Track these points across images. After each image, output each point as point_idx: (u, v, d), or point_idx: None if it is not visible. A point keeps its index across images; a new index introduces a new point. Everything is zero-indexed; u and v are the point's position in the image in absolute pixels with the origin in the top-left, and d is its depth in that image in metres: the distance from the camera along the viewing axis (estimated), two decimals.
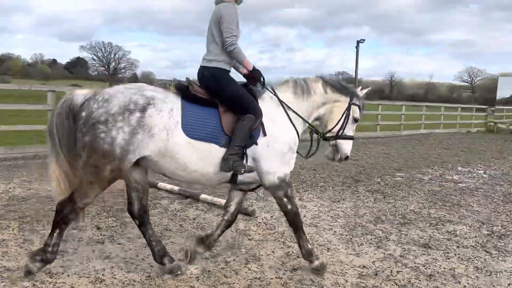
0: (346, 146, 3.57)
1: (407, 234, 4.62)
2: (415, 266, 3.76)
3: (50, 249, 2.98)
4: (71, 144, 2.95)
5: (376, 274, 3.53)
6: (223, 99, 3.19)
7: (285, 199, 3.32)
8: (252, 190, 3.58)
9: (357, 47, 33.79)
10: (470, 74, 70.58)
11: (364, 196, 6.28)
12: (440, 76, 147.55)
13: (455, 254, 4.08)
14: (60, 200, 2.98)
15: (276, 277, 3.38)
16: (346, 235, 4.48)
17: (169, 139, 2.97)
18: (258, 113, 3.17)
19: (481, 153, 12.14)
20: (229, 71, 3.36)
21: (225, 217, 3.59)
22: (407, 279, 3.48)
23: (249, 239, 4.21)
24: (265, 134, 3.21)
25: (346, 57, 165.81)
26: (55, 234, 2.99)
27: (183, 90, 3.17)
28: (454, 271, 3.68)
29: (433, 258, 3.95)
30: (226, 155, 3.07)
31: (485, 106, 23.82)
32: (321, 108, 3.54)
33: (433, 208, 5.74)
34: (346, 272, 3.54)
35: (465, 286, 3.39)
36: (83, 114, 2.91)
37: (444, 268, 3.74)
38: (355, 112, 3.57)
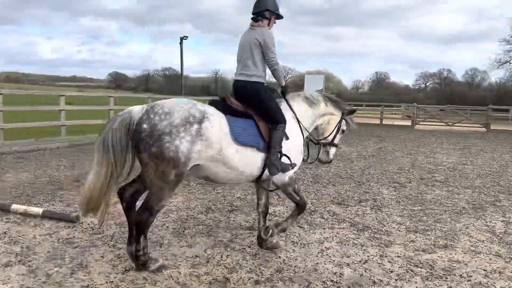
0: (334, 152, 4.40)
1: (235, 220, 4.95)
2: (242, 248, 4.06)
3: (142, 252, 3.37)
4: (125, 158, 3.26)
5: (208, 261, 3.69)
6: (261, 109, 3.70)
7: (294, 194, 3.93)
8: (272, 191, 4.02)
9: (181, 43, 34.17)
10: (282, 72, 78.88)
11: (195, 189, 6.45)
12: None
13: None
14: (141, 218, 3.27)
15: (106, 282, 3.22)
16: (179, 229, 4.54)
17: (222, 147, 3.38)
18: (285, 122, 3.73)
19: None
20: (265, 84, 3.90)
21: (260, 210, 4.13)
22: (235, 261, 3.73)
23: (74, 247, 3.90)
24: (287, 139, 3.76)
25: (171, 53, 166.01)
26: (141, 239, 3.35)
27: (222, 104, 3.62)
28: (277, 250, 4.10)
29: None
30: (271, 160, 3.62)
31: None
32: (321, 118, 4.21)
33: (254, 194, 6.26)
34: (179, 264, 3.60)
35: (284, 260, 3.82)
36: (145, 126, 3.18)
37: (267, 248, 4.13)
38: (343, 125, 4.35)
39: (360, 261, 3.82)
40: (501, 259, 3.99)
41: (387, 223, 5.02)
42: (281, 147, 3.68)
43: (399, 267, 3.72)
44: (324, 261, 3.80)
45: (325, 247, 4.16)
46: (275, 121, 3.67)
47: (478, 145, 14.70)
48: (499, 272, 3.67)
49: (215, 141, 3.33)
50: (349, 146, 13.04)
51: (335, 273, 3.54)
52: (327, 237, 4.45)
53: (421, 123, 23.53)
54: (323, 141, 4.30)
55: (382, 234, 4.59)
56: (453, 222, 5.16)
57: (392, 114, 32.00)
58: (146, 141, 3.15)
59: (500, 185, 7.55)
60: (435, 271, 3.65)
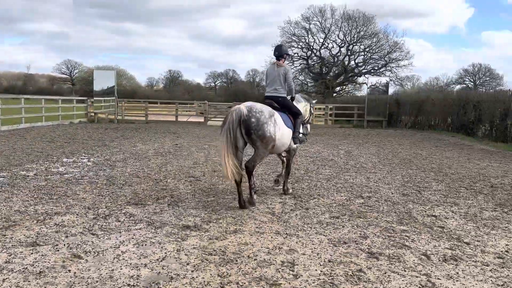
0: (309, 127, 7.34)
1: (13, 237, 4.28)
2: (23, 268, 3.54)
3: (253, 193, 5.85)
4: (236, 136, 5.48)
5: None
6: (288, 108, 6.35)
7: (293, 155, 6.69)
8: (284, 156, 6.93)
9: None
10: (69, 66, 72.32)
11: None
12: (38, 67, 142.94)
13: (65, 245, 4.13)
14: (249, 166, 5.69)
15: None
16: None
17: (281, 129, 5.87)
18: (302, 114, 6.57)
19: (84, 142, 12.75)
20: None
21: (283, 165, 7.00)
22: (15, 284, 3.23)
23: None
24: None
25: None
26: (252, 181, 5.89)
27: (271, 105, 6.06)
28: (64, 262, 3.72)
29: (42, 255, 3.85)
30: (296, 136, 6.37)
31: (85, 98, 25.13)
32: (303, 108, 6.89)
33: (39, 204, 5.57)
34: None
35: (75, 272, 3.49)
36: (253, 119, 5.51)
37: (54, 261, 3.72)
38: (312, 110, 7.34)
39: (157, 259, 3.82)
40: (280, 236, 4.58)
41: (184, 217, 5.16)
42: (300, 128, 6.51)
43: (195, 258, 3.87)
44: (121, 266, 3.65)
45: (121, 251, 4.00)
46: (296, 114, 6.42)
47: None
48: (279, 248, 4.22)
49: (279, 126, 5.82)
50: (145, 144, 12.89)
51: (131, 276, 3.44)
52: (123, 241, 4.29)
53: (212, 119, 25.07)
54: (306, 121, 7.05)
55: (180, 229, 4.70)
56: (242, 208, 5.66)
57: (187, 111, 33.14)
58: (255, 128, 5.49)
59: (278, 171, 8.67)
60: (227, 255, 3.95)
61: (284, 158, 6.97)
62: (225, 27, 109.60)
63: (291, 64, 46.52)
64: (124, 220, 5.00)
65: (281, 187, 6.80)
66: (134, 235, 4.47)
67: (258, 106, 5.67)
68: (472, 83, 67.86)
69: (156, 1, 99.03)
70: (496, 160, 11.34)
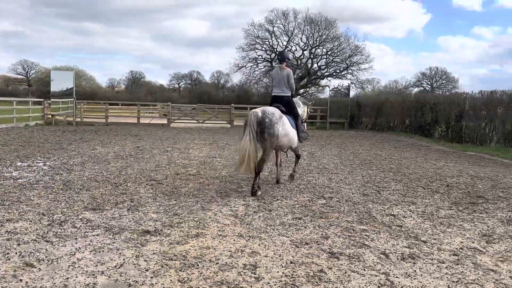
0: (305, 125, 8.27)
1: None
2: None
3: (257, 186, 6.65)
4: (256, 135, 6.41)
5: None
6: (291, 109, 7.30)
7: (297, 150, 7.84)
8: (285, 151, 7.83)
9: None
10: (25, 67, 69.41)
11: None
12: None
13: (17, 253, 3.93)
14: (259, 164, 6.51)
15: None
16: None
17: (286, 129, 6.85)
18: (300, 116, 7.64)
19: (40, 145, 12.24)
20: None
21: (284, 156, 8.72)
22: None
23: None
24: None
25: None
26: (258, 179, 6.69)
27: (278, 108, 6.98)
28: (15, 271, 3.54)
29: None
30: (299, 134, 7.37)
31: (42, 99, 24.18)
32: (300, 109, 7.87)
33: None
34: None
35: (27, 282, 3.32)
36: (267, 120, 6.49)
37: (5, 271, 3.52)
38: (308, 110, 8.65)
39: (115, 266, 3.69)
40: (242, 238, 4.55)
41: (144, 222, 5.03)
42: (301, 128, 7.48)
43: (155, 263, 3.77)
44: (76, 274, 3.50)
45: (77, 259, 3.84)
46: (297, 116, 7.37)
47: (224, 139, 16.51)
48: (241, 250, 4.18)
49: (286, 125, 6.84)
50: (105, 147, 12.54)
51: (87, 285, 3.31)
52: (79, 248, 4.12)
53: (176, 121, 24.75)
54: (303, 121, 7.96)
55: (139, 234, 4.58)
56: (204, 211, 5.60)
57: (149, 113, 32.54)
58: (268, 127, 6.45)
59: (242, 173, 8.65)
60: (188, 260, 3.87)
61: (284, 155, 8.69)
62: (189, 28, 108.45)
63: (255, 66, 46.74)
64: (80, 226, 4.82)
65: (290, 178, 8.10)
66: (91, 241, 4.31)
67: (271, 109, 6.76)
68: (429, 86, 70.49)
69: (117, 1, 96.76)
70: (451, 160, 11.80)
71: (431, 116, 19.38)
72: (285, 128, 6.79)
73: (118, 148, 12.44)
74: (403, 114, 22.06)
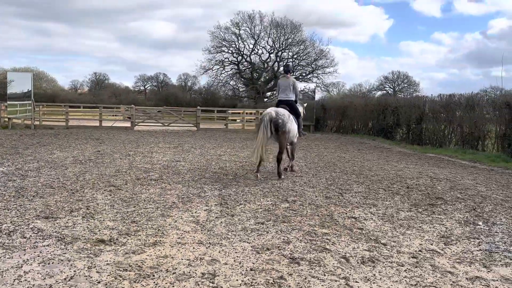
0: (301, 121, 9.43)
1: None
2: None
3: (281, 171, 8.68)
4: (268, 132, 8.04)
5: None
6: (295, 110, 8.96)
7: (295, 145, 9.67)
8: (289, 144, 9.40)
9: None
10: None
11: None
12: None
13: None
14: (278, 156, 8.56)
15: None
16: None
17: (293, 126, 8.61)
18: (301, 115, 9.51)
19: None
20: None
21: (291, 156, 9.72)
22: None
23: None
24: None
25: None
26: (280, 165, 8.66)
27: (286, 108, 8.75)
28: None
29: None
30: (299, 130, 9.11)
31: None
32: (301, 109, 9.56)
33: None
34: None
35: None
36: (280, 120, 8.12)
37: None
38: (304, 109, 10.55)
39: (65, 279, 3.48)
40: (202, 246, 4.42)
41: (99, 230, 4.81)
42: (301, 125, 9.08)
43: (108, 275, 3.58)
44: None
45: (24, 271, 3.60)
46: (298, 115, 9.04)
47: (190, 142, 16.27)
48: (200, 258, 4.05)
49: (292, 123, 8.52)
50: (64, 151, 12.06)
51: None
52: (27, 259, 3.88)
53: (140, 124, 24.23)
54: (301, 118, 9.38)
55: (93, 244, 4.36)
56: (164, 218, 5.42)
57: (113, 115, 31.71)
58: (281, 126, 8.13)
59: (206, 177, 8.51)
60: (143, 270, 3.71)
61: (288, 148, 9.63)
62: (155, 29, 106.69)
63: (222, 68, 46.58)
64: (30, 236, 4.55)
65: (289, 169, 9.63)
66: (40, 252, 4.07)
67: (281, 110, 8.45)
68: (391, 90, 72.49)
69: (80, 1, 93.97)
70: (412, 162, 12.08)
71: (393, 119, 19.84)
72: (292, 125, 8.60)
73: (77, 152, 12.00)
74: (366, 117, 22.49)
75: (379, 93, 69.57)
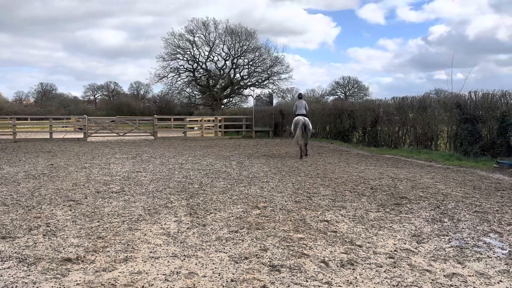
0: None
1: None
2: None
3: (303, 155, 14.01)
4: (303, 131, 13.70)
5: None
6: (308, 119, 14.47)
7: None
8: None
9: None
10: None
11: None
12: None
13: None
14: (305, 145, 14.42)
15: None
16: None
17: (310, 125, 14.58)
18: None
19: None
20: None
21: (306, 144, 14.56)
22: None
23: None
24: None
25: None
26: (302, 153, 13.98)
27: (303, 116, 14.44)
28: None
29: None
30: (310, 129, 14.69)
31: None
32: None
33: None
34: None
35: None
36: (307, 123, 13.76)
37: None
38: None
39: None
40: (177, 259, 4.24)
41: (64, 248, 4.50)
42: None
43: None
44: None
45: None
46: (309, 119, 14.51)
47: (148, 152, 15.83)
48: (177, 272, 3.87)
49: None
50: (14, 166, 11.33)
51: None
52: None
53: (93, 135, 23.34)
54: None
55: (59, 263, 4.06)
56: (132, 231, 5.18)
57: (63, 127, 30.35)
58: (308, 127, 13.79)
59: (170, 187, 8.26)
60: None
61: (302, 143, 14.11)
62: (104, 38, 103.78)
63: (177, 76, 45.99)
64: None
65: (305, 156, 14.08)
66: (1, 276, 3.73)
67: (306, 118, 13.85)
68: (343, 94, 74.58)
69: (24, 9, 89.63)
70: (371, 164, 12.38)
71: (349, 122, 20.33)
72: (310, 127, 14.14)
73: (29, 166, 11.32)
74: (323, 121, 22.90)
75: (331, 97, 71.34)
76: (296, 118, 13.93)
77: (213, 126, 27.10)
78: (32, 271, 3.85)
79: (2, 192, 7.57)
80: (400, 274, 3.88)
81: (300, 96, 15.44)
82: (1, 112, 41.75)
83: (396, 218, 5.99)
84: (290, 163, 12.30)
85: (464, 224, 5.66)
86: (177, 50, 45.21)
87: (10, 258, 4.19)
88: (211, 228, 5.35)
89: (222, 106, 45.72)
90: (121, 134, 23.57)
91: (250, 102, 38.13)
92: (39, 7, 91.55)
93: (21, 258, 4.19)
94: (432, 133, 15.52)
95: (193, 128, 28.72)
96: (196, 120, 30.59)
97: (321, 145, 19.29)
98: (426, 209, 6.55)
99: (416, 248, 4.63)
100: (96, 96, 77.34)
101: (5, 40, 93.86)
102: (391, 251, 4.54)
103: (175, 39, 44.90)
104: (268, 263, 4.13)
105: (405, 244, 4.79)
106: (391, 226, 5.54)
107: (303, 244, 4.74)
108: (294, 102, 16.99)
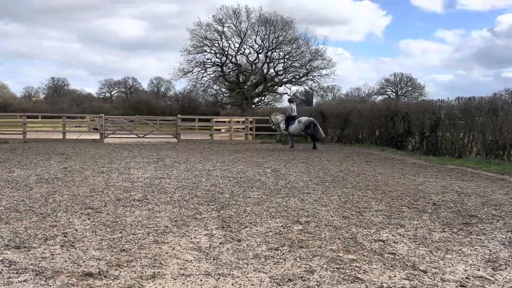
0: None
1: None
2: None
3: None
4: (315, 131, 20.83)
5: None
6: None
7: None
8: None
9: None
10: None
11: None
12: None
13: None
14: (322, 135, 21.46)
15: None
16: None
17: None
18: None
19: None
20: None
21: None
22: None
23: None
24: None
25: None
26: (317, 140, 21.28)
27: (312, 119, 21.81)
28: None
29: None
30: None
31: None
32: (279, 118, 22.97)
33: None
34: None
35: None
36: (312, 125, 20.45)
37: None
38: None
39: None
40: (211, 277, 4.26)
41: (84, 261, 4.61)
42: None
43: None
44: None
45: None
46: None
47: (171, 156, 16.08)
48: None
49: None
50: (25, 169, 11.76)
51: None
52: None
53: (110, 136, 23.93)
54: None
55: (79, 277, 4.16)
56: (159, 245, 5.25)
57: (77, 126, 31.30)
58: (311, 127, 20.33)
59: (198, 196, 8.34)
60: None
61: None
62: (122, 28, 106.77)
63: (203, 71, 46.59)
64: (1, 270, 4.32)
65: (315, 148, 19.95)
66: None
67: (311, 118, 20.51)
68: (394, 94, 73.29)
69: None
70: (431, 175, 12.10)
71: (403, 127, 19.97)
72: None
73: (41, 169, 11.71)
74: (373, 124, 22.61)
75: (380, 97, 70.23)
76: (306, 118, 20.73)
77: (243, 128, 27.25)
78: (50, 286, 3.96)
79: (14, 197, 7.85)
80: None
81: (291, 101, 22.28)
82: (9, 109, 43.46)
83: (465, 239, 5.81)
84: (334, 173, 12.19)
85: None
86: (204, 42, 45.85)
87: (26, 270, 4.33)
88: (247, 244, 5.35)
89: (253, 106, 45.91)
90: (140, 135, 24.07)
91: (285, 102, 38.12)
92: None
93: (38, 271, 4.32)
94: (505, 141, 15.02)
95: (220, 130, 28.97)
96: (224, 121, 30.85)
97: (370, 152, 19.03)
98: (501, 230, 6.32)
99: (492, 276, 4.47)
100: (112, 93, 79.30)
101: (15, 31, 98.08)
102: (462, 278, 4.40)
103: (201, 30, 45.59)
104: (316, 287, 4.08)
105: (478, 270, 4.64)
106: (460, 249, 5.37)
107: (356, 266, 4.67)
108: (290, 106, 21.44)
